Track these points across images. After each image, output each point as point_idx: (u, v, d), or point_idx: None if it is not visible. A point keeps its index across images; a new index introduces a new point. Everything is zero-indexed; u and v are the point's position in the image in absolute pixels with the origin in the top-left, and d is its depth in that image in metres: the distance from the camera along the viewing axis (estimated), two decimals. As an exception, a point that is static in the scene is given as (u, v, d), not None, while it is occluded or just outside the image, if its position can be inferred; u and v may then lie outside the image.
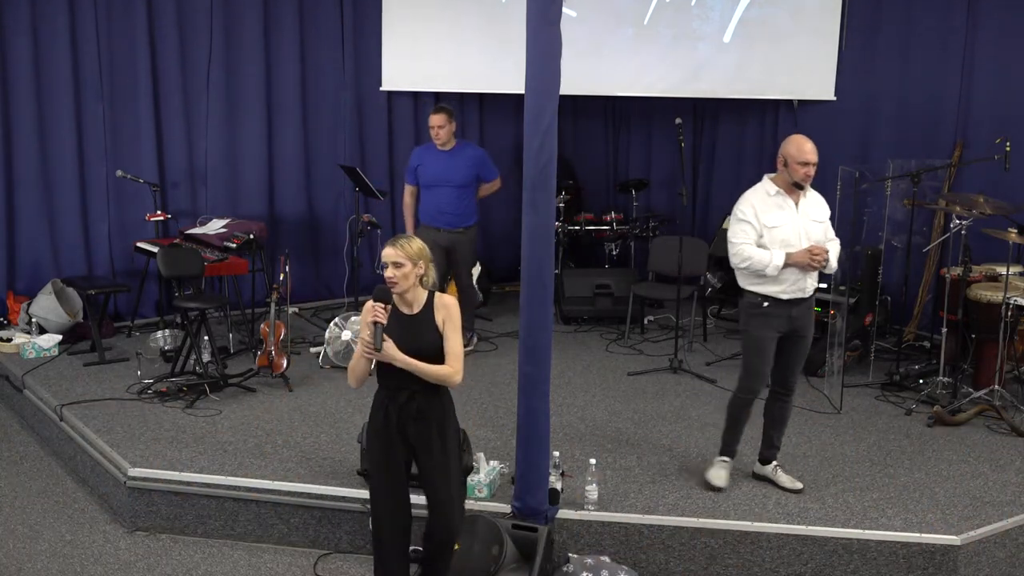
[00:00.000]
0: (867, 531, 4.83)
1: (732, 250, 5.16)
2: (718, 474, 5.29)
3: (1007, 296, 6.29)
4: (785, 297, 5.11)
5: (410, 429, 4.14)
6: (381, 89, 9.21)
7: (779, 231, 5.09)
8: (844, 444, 5.96)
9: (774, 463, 5.39)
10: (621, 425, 6.22)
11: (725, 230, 9.04)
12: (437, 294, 4.20)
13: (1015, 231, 6.57)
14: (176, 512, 5.26)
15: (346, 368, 7.07)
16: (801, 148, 5.07)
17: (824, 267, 5.10)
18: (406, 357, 4.03)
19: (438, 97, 9.55)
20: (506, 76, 8.81)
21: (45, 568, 4.88)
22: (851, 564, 4.80)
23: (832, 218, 5.34)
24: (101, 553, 5.05)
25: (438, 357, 4.10)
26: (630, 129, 10.26)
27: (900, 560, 4.77)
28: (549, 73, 4.52)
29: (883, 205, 7.60)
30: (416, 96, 9.45)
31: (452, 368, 4.10)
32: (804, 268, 5.07)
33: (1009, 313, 6.30)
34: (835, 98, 8.80)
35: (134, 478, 5.30)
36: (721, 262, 9.02)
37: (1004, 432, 6.18)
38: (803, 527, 4.86)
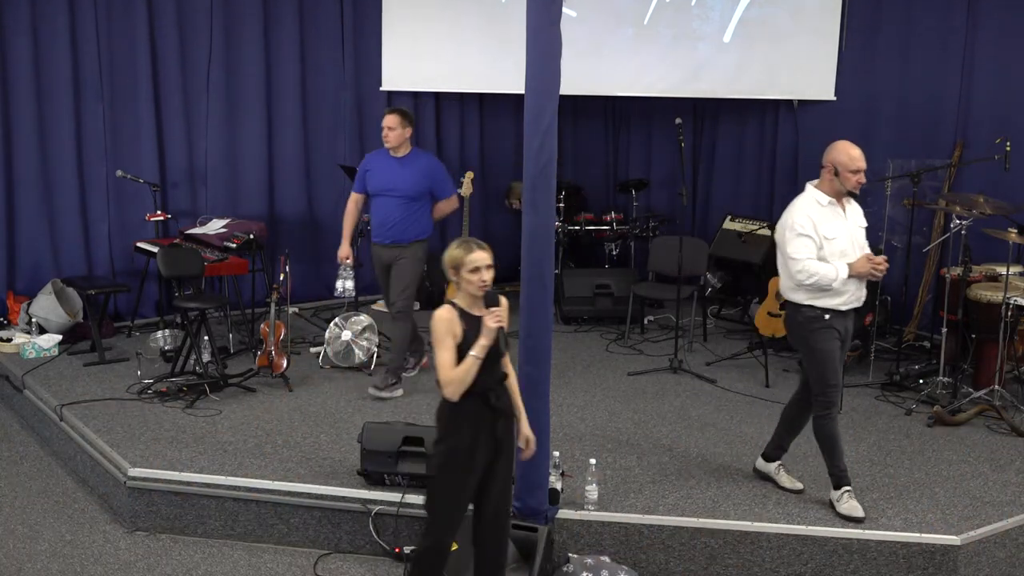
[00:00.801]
0: (867, 531, 4.83)
1: (796, 267, 4.91)
2: (853, 506, 4.96)
3: (1007, 296, 6.29)
4: (844, 308, 4.97)
5: (500, 426, 4.12)
6: (381, 89, 9.21)
7: (837, 242, 4.92)
8: (844, 444, 5.93)
9: (778, 463, 5.36)
10: (621, 425, 6.22)
11: (726, 230, 9.14)
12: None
13: (1015, 231, 6.57)
14: (176, 512, 5.26)
15: (345, 368, 7.11)
16: (852, 156, 4.90)
17: (881, 276, 4.96)
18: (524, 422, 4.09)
19: (438, 97, 9.56)
20: (506, 76, 8.81)
21: (45, 568, 4.88)
22: (851, 564, 4.80)
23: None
24: (101, 553, 5.05)
25: (496, 355, 4.07)
26: (630, 129, 10.26)
27: (900, 560, 4.77)
28: (549, 73, 4.52)
29: (883, 205, 7.61)
30: (416, 96, 9.45)
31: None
32: (866, 277, 4.94)
33: (1009, 313, 6.30)
34: (835, 98, 8.80)
35: (134, 478, 5.30)
36: (721, 262, 9.05)
37: (1004, 432, 6.18)
38: (803, 527, 4.86)
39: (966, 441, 6.01)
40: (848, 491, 5.03)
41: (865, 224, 5.14)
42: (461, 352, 3.98)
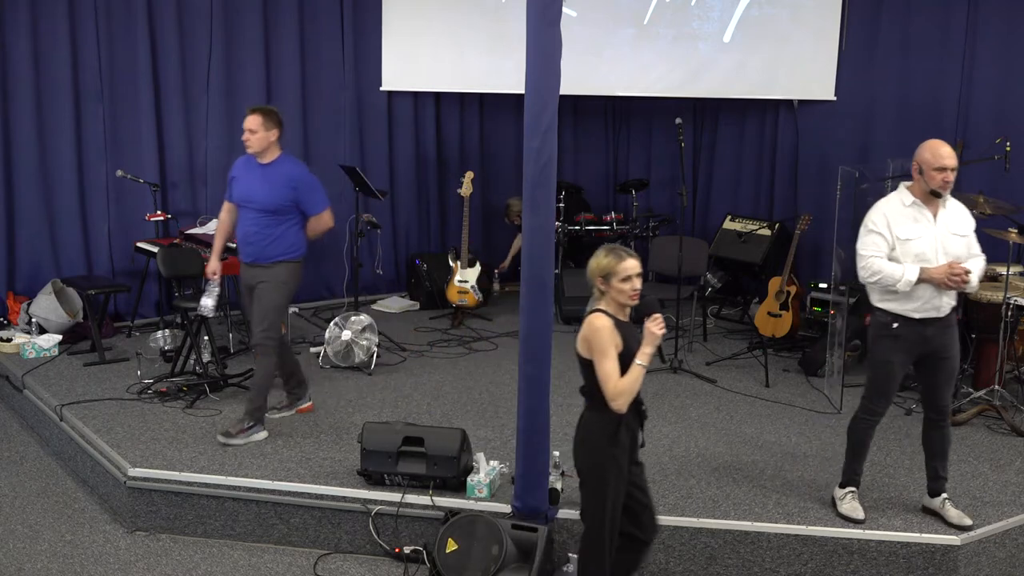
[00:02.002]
0: (867, 531, 4.83)
1: (861, 263, 4.83)
2: (854, 507, 4.94)
3: (1007, 296, 6.29)
4: (917, 316, 4.79)
5: (640, 437, 4.16)
6: (381, 89, 9.21)
7: (913, 244, 4.77)
8: (844, 444, 5.94)
9: (943, 496, 5.00)
10: (621, 425, 6.21)
11: (726, 230, 9.14)
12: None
13: (1015, 231, 6.57)
14: (176, 512, 5.26)
15: (345, 368, 7.12)
16: (937, 153, 4.74)
17: (965, 287, 4.76)
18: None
19: (438, 97, 9.56)
20: (506, 76, 8.82)
21: (45, 568, 4.88)
22: (851, 564, 4.80)
23: (831, 220, 5.24)
24: (101, 553, 5.05)
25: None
26: (630, 129, 10.26)
27: (900, 560, 4.77)
28: (549, 73, 4.52)
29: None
30: (416, 96, 9.45)
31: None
32: (942, 286, 4.73)
33: (1009, 313, 6.30)
34: (835, 98, 8.80)
35: (134, 478, 5.31)
36: (721, 262, 9.05)
37: (1004, 432, 6.18)
38: (803, 527, 4.86)
39: (966, 441, 6.01)
40: (852, 492, 5.01)
41: (966, 232, 4.89)
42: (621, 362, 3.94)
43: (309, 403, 6.35)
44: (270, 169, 5.87)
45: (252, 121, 5.82)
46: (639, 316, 3.98)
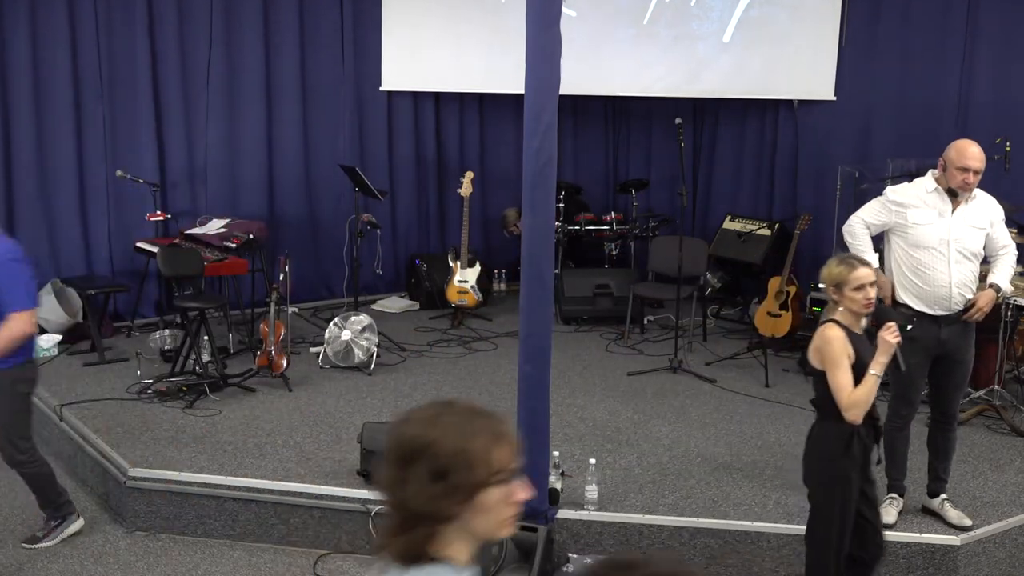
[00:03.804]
0: (867, 531, 4.82)
1: (849, 219, 4.91)
2: (887, 511, 4.88)
3: (1007, 296, 6.28)
4: (932, 313, 4.78)
5: (874, 453, 4.08)
6: (381, 89, 9.21)
7: (919, 231, 4.76)
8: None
9: (942, 496, 5.01)
10: (621, 425, 6.22)
11: (726, 230, 9.13)
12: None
13: (1015, 231, 6.56)
14: (176, 512, 5.26)
15: (345, 368, 7.11)
16: (962, 152, 4.68)
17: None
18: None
19: (438, 97, 9.56)
20: (506, 76, 8.80)
21: (45, 568, 4.88)
22: (851, 564, 4.79)
23: (831, 220, 5.24)
24: (101, 553, 5.05)
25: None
26: (630, 129, 10.25)
27: (900, 560, 4.77)
28: (549, 73, 4.52)
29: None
30: (416, 96, 9.45)
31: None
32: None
33: (1009, 313, 6.30)
34: (835, 98, 8.79)
35: (134, 478, 5.31)
36: (720, 262, 9.05)
37: (1004, 432, 6.18)
38: (803, 527, 4.84)
39: (966, 441, 6.01)
40: (891, 499, 5.00)
41: (984, 225, 4.85)
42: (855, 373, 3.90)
43: (77, 523, 5.21)
44: None
45: None
46: (877, 324, 3.94)
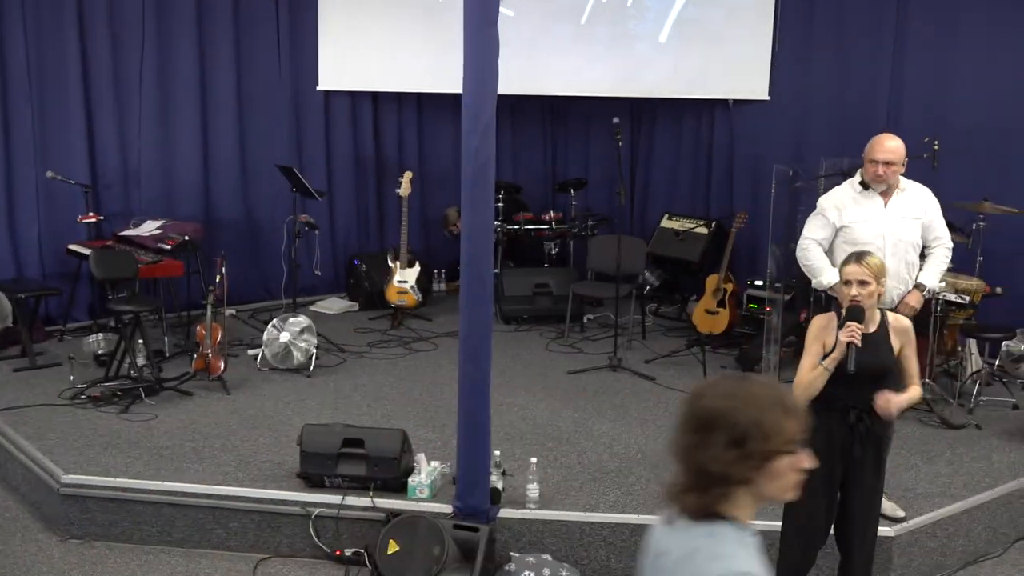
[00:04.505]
0: (804, 524, 4.89)
1: (799, 243, 4.91)
2: (890, 506, 4.98)
3: (936, 292, 6.41)
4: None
5: (855, 450, 4.01)
6: (318, 89, 9.15)
7: (856, 230, 4.82)
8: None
9: None
10: (561, 423, 6.24)
11: (664, 229, 9.22)
12: (890, 314, 4.09)
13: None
14: (111, 519, 5.17)
15: (284, 370, 7.05)
16: (873, 146, 4.76)
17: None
18: (903, 398, 3.94)
19: (376, 97, 9.52)
20: (444, 75, 8.75)
21: (-25, 579, 4.77)
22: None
23: (767, 218, 5.28)
24: (34, 562, 4.94)
25: (888, 377, 3.97)
26: (568, 129, 10.30)
27: (834, 551, 4.83)
28: (487, 73, 4.52)
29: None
30: (353, 96, 9.40)
31: (919, 390, 4.04)
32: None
33: (938, 308, 6.43)
34: (769, 98, 8.92)
35: (67, 485, 5.20)
36: (659, 260, 9.13)
37: (935, 425, 6.31)
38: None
39: (898, 434, 6.08)
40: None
41: (918, 215, 4.92)
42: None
43: None
44: None
45: None
46: (842, 322, 3.99)
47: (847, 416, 4.01)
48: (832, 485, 4.09)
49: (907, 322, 4.08)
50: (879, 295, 4.02)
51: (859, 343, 3.92)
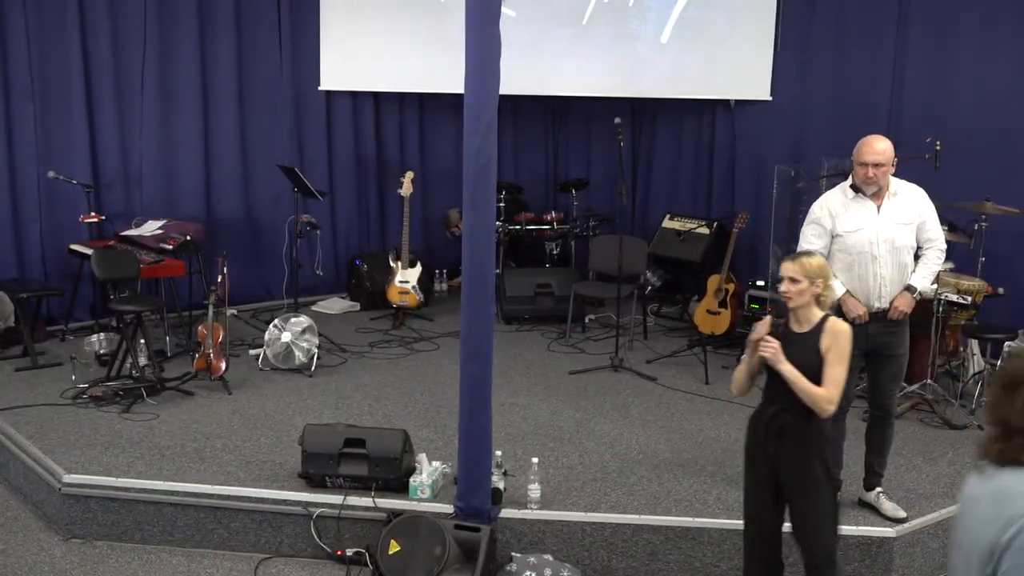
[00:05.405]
0: (805, 524, 4.89)
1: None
2: (892, 506, 5.02)
3: (938, 292, 6.42)
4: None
5: (769, 446, 4.04)
6: (319, 89, 9.15)
7: (852, 238, 4.82)
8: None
9: (877, 490, 5.09)
10: (563, 424, 6.24)
11: (665, 229, 9.22)
12: (831, 319, 4.06)
13: (946, 228, 6.69)
14: (113, 518, 5.18)
15: (285, 370, 7.06)
16: (861, 148, 4.74)
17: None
18: (788, 365, 3.95)
19: (377, 97, 9.52)
20: (446, 76, 8.74)
21: (-23, 578, 4.78)
22: (789, 557, 4.84)
23: (768, 218, 5.28)
24: (35, 562, 4.95)
25: (813, 381, 3.96)
26: (569, 129, 10.30)
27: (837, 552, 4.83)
28: (489, 73, 4.52)
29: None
30: (355, 96, 9.40)
31: (827, 393, 3.95)
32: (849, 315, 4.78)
33: (940, 308, 6.43)
34: (771, 98, 8.92)
35: (69, 484, 5.21)
36: (660, 260, 9.13)
37: (937, 426, 6.31)
38: (742, 522, 4.90)
39: (900, 435, 6.11)
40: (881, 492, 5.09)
41: (911, 220, 4.90)
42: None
43: None
44: None
45: None
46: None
47: (767, 410, 4.09)
48: (769, 485, 4.11)
49: (844, 327, 4.03)
50: (817, 296, 4.03)
51: (770, 355, 3.98)
